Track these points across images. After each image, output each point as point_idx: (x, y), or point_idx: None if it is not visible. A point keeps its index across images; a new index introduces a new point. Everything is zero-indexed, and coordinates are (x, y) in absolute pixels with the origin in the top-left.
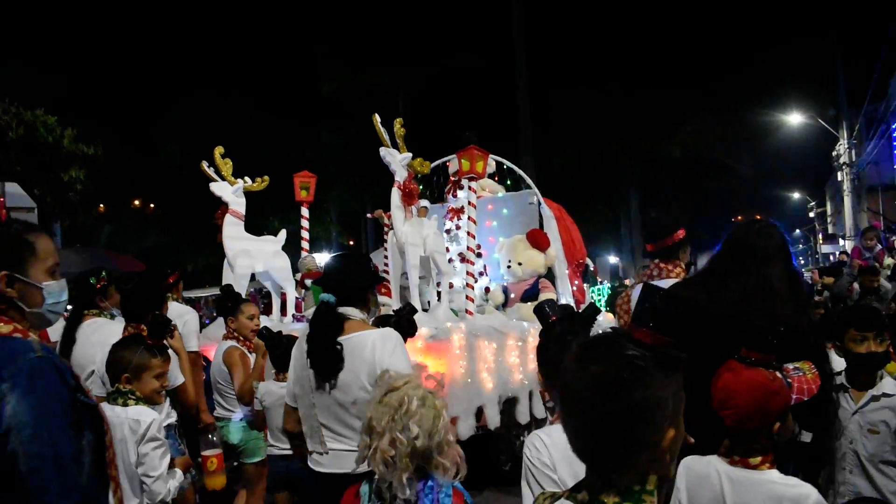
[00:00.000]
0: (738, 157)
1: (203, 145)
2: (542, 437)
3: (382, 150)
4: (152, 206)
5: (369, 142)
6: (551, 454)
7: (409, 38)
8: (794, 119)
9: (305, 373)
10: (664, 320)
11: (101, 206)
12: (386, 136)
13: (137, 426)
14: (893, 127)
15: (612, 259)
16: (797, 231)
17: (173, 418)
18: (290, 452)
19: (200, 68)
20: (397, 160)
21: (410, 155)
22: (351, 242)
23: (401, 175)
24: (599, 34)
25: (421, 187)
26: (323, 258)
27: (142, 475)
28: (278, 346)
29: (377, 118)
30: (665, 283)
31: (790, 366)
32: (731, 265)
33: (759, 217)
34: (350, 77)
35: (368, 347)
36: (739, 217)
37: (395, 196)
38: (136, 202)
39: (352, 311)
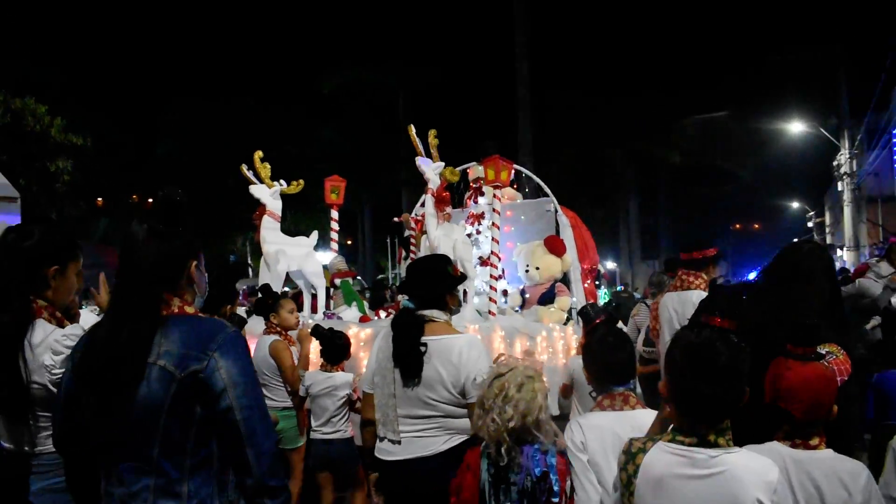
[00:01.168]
0: (738, 165)
1: (201, 140)
2: (581, 421)
3: (418, 160)
4: (150, 200)
5: (367, 140)
6: (585, 436)
7: (410, 37)
8: (796, 128)
9: (389, 364)
10: (729, 310)
11: (100, 199)
12: (420, 146)
13: None
14: (894, 138)
15: (611, 265)
16: (794, 240)
17: None
18: (331, 437)
19: (200, 62)
20: (431, 169)
21: (443, 164)
22: (349, 241)
23: (434, 183)
24: (601, 37)
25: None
26: (324, 257)
27: None
28: (333, 343)
29: (412, 129)
30: (688, 294)
31: (822, 351)
32: (774, 280)
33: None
34: (351, 75)
35: (455, 352)
36: (737, 225)
37: (429, 203)
38: (135, 196)
39: (435, 314)
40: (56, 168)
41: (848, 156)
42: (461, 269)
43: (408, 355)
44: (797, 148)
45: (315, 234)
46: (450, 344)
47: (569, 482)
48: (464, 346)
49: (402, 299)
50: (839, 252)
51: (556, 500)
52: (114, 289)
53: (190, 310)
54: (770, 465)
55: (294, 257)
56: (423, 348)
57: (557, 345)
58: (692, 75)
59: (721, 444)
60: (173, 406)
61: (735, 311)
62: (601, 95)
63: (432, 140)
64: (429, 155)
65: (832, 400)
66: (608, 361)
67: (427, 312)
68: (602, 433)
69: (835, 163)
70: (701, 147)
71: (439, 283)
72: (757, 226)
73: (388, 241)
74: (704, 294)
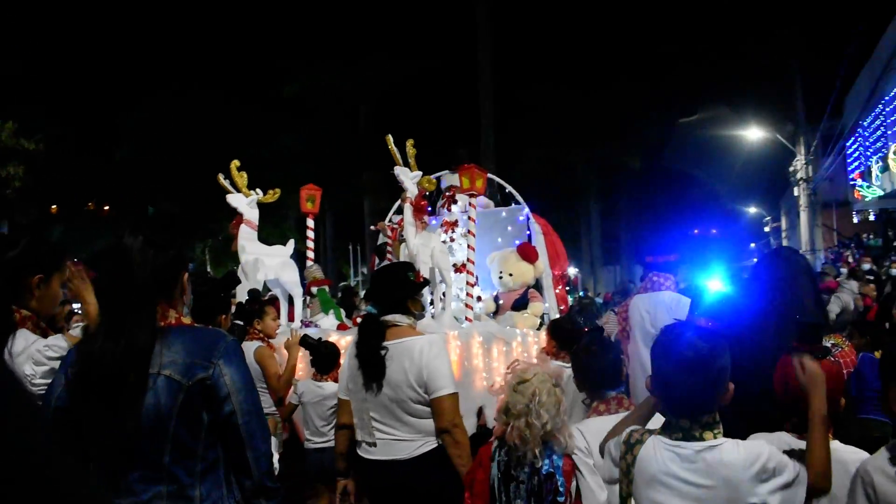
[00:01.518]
0: (698, 171)
1: (161, 146)
2: (581, 428)
3: (397, 169)
4: (106, 207)
5: (329, 145)
6: (587, 440)
7: (373, 42)
8: (753, 134)
9: (359, 371)
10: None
11: (54, 206)
12: (399, 156)
13: None
14: (848, 146)
15: (572, 270)
16: (752, 245)
17: None
18: (324, 446)
19: (160, 67)
20: (409, 178)
21: (420, 173)
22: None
23: (412, 192)
24: (564, 39)
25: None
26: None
27: None
28: (319, 352)
29: (390, 138)
30: (659, 295)
31: (828, 344)
32: (762, 284)
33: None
34: (313, 78)
35: (416, 351)
36: (696, 230)
37: (408, 212)
38: (90, 204)
39: (398, 318)
40: (6, 174)
41: (804, 162)
42: (440, 274)
43: (370, 359)
44: (754, 154)
45: (292, 243)
46: (411, 345)
47: (574, 483)
48: (424, 345)
49: (367, 306)
50: None
51: (561, 499)
52: (106, 300)
53: (186, 320)
54: (757, 453)
55: (271, 266)
56: (382, 351)
57: (532, 349)
58: (654, 81)
59: (707, 438)
60: (182, 413)
61: (718, 312)
62: (564, 100)
63: (410, 150)
64: (406, 164)
65: (840, 394)
66: (596, 368)
67: (390, 317)
68: (602, 437)
69: (791, 168)
70: (661, 153)
71: (399, 289)
72: (714, 230)
73: (350, 247)
74: (675, 295)
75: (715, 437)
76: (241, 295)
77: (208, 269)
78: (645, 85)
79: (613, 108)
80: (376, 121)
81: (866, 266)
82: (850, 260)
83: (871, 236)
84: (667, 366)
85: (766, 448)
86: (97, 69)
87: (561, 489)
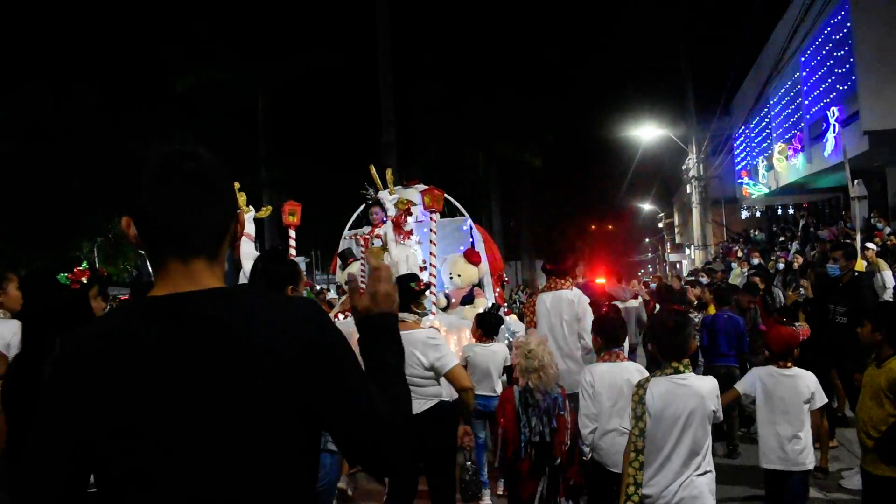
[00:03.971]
0: (595, 169)
1: (38, 138)
2: (590, 368)
3: (380, 194)
4: None
5: (225, 141)
6: (594, 376)
7: (270, 35)
8: (648, 134)
9: None
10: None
11: None
12: (380, 181)
13: None
14: (736, 145)
15: None
16: (647, 240)
17: None
18: None
19: (40, 50)
20: (389, 200)
21: (398, 196)
22: None
23: (392, 212)
24: (463, 42)
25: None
26: None
27: None
28: None
29: (373, 168)
30: (560, 293)
31: (797, 325)
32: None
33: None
34: (207, 73)
35: (420, 341)
36: (593, 227)
37: (390, 229)
38: None
39: (404, 315)
40: None
41: (696, 160)
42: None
43: None
44: (649, 154)
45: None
46: (416, 335)
47: (567, 402)
48: (426, 336)
49: None
50: (687, 251)
51: (562, 412)
52: None
53: None
54: (714, 385)
55: None
56: None
57: None
58: (557, 81)
59: (686, 372)
60: None
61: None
62: (463, 97)
63: (389, 176)
64: (385, 188)
65: (796, 344)
66: (616, 335)
67: (399, 315)
68: (602, 375)
69: (684, 167)
70: (560, 151)
71: (403, 294)
72: (611, 227)
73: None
74: (575, 292)
75: (690, 373)
76: None
77: (97, 267)
78: (543, 87)
79: (513, 109)
80: (275, 117)
81: (755, 261)
82: (739, 254)
83: (758, 232)
84: (659, 332)
85: (717, 386)
86: None
87: (562, 405)
